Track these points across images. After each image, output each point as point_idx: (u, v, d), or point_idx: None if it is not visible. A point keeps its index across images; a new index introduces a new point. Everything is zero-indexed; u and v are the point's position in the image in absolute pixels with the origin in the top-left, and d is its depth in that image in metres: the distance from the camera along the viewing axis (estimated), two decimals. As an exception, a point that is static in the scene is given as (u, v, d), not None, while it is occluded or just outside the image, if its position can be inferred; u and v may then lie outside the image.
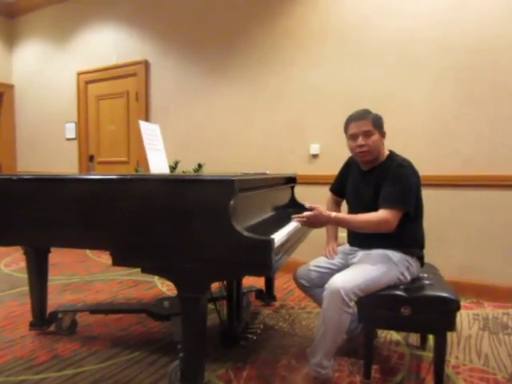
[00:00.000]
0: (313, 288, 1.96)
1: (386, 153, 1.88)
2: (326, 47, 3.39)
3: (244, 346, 2.06)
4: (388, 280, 1.72)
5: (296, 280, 2.03)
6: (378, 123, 1.82)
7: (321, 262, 2.01)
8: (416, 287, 1.73)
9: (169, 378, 1.64)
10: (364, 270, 1.71)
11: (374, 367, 1.84)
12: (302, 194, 2.79)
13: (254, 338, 2.10)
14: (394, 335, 2.24)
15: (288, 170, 3.46)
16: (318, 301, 1.84)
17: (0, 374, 1.82)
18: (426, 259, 1.91)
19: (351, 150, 1.89)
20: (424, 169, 3.03)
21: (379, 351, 2.04)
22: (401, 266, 1.75)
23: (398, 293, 1.69)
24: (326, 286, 1.64)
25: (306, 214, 1.72)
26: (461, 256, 2.94)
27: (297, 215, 1.74)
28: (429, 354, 2.00)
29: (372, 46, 3.20)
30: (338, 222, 1.80)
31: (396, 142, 3.09)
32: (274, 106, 3.65)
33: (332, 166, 3.32)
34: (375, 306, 1.71)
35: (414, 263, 1.80)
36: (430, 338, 2.11)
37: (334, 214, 1.75)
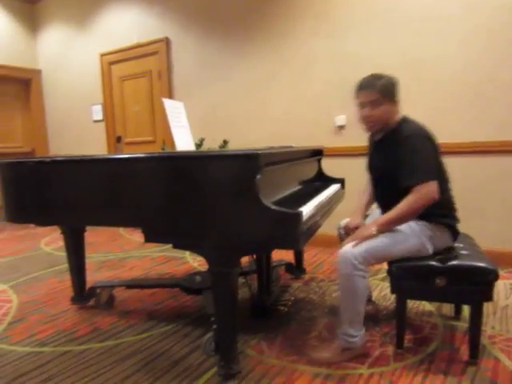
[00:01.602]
0: None
1: (398, 119, 1.76)
2: (350, 16, 3.24)
3: (275, 319, 2.10)
4: (405, 249, 1.68)
5: (338, 231, 2.07)
6: (387, 91, 1.71)
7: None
8: (451, 257, 1.68)
9: (203, 349, 1.70)
10: (378, 237, 1.67)
11: (407, 337, 1.84)
12: (329, 166, 2.75)
13: (285, 310, 2.13)
14: (427, 306, 2.21)
15: (314, 143, 3.40)
16: None
17: (47, 345, 1.94)
18: (461, 229, 1.84)
19: (358, 118, 1.81)
20: (455, 136, 2.93)
21: (411, 322, 2.02)
22: (421, 236, 1.69)
23: (433, 263, 1.65)
24: (338, 252, 1.68)
25: (349, 239, 1.70)
26: (496, 225, 2.83)
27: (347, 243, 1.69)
28: (463, 324, 1.97)
29: (398, 12, 3.03)
30: (385, 225, 1.68)
31: (426, 108, 2.98)
32: (298, 79, 3.56)
33: (359, 137, 3.24)
34: (408, 276, 1.68)
35: (440, 233, 1.73)
36: (465, 308, 2.07)
37: (378, 222, 1.68)
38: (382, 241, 1.68)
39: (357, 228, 1.85)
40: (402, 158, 1.66)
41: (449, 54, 2.88)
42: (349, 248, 1.65)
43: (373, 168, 1.90)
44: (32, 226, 4.82)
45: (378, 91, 1.70)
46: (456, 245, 1.81)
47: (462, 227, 1.84)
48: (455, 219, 1.79)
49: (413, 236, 1.69)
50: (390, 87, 1.72)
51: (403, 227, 1.71)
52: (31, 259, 3.45)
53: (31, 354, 1.86)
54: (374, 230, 1.67)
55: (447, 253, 1.73)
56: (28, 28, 5.47)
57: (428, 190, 1.60)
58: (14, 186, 1.95)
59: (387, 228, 1.68)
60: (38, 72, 5.56)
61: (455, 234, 1.79)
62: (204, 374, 1.64)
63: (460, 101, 2.88)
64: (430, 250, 1.72)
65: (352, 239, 1.69)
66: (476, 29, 2.77)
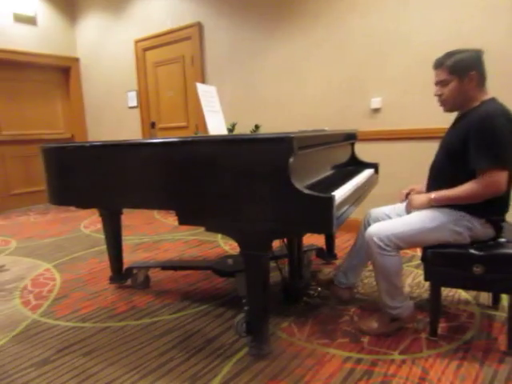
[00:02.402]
0: None
1: (483, 99, 1.65)
2: (388, -10, 3.11)
3: (306, 303, 2.11)
4: (436, 237, 1.65)
5: (365, 217, 2.07)
6: (457, 68, 1.62)
7: (392, 208, 2.00)
8: (491, 245, 1.62)
9: (235, 329, 1.74)
10: (407, 221, 1.69)
11: (441, 325, 1.80)
12: (363, 151, 2.69)
13: (316, 294, 2.14)
14: (463, 294, 2.15)
15: (347, 127, 3.34)
16: None
17: (88, 320, 2.05)
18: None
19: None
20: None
21: (446, 310, 1.98)
22: (458, 226, 1.63)
23: (471, 251, 1.60)
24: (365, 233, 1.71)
25: (412, 202, 1.74)
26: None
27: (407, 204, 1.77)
28: (502, 314, 1.90)
29: (441, -16, 2.87)
30: (439, 201, 1.65)
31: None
32: (331, 60, 3.47)
33: (396, 120, 3.17)
34: (443, 263, 1.64)
35: (480, 226, 1.64)
36: (504, 298, 2.00)
37: (433, 194, 1.67)
38: (411, 225, 1.66)
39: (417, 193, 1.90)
40: (474, 137, 1.56)
41: (495, 28, 2.71)
42: (374, 229, 1.68)
43: (441, 143, 1.80)
44: (73, 208, 5.05)
45: (447, 69, 1.65)
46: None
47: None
48: (502, 215, 1.67)
49: (448, 225, 1.64)
50: (460, 64, 1.62)
51: (439, 214, 1.66)
52: (72, 240, 3.63)
53: (74, 328, 1.97)
54: (426, 200, 1.68)
55: (486, 241, 1.67)
56: (67, 17, 5.63)
57: (496, 180, 1.52)
58: (56, 170, 2.04)
59: (440, 203, 1.66)
60: (76, 60, 5.73)
61: (499, 228, 1.69)
62: (236, 353, 1.69)
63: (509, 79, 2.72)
64: (468, 240, 1.66)
65: (411, 204, 1.74)
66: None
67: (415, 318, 1.79)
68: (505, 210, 1.68)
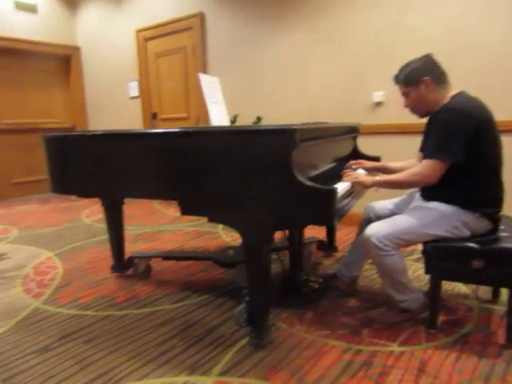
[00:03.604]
0: (370, 223, 1.93)
1: (449, 95, 1.69)
2: (393, -18, 3.08)
3: (306, 294, 2.12)
4: (433, 232, 1.66)
5: (365, 210, 2.09)
6: (411, 79, 1.71)
7: (392, 202, 2.03)
8: (491, 239, 1.63)
9: (236, 319, 1.76)
10: (403, 220, 1.70)
11: (440, 318, 1.81)
12: (365, 144, 2.69)
13: (316, 286, 2.15)
14: (463, 288, 2.16)
15: (350, 120, 3.33)
16: None
17: (90, 309, 2.06)
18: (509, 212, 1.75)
19: None
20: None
21: (445, 303, 1.99)
22: (454, 221, 1.65)
23: (470, 245, 1.61)
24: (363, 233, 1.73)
25: (353, 174, 1.78)
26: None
27: (347, 173, 1.79)
28: (501, 308, 1.92)
29: (447, -24, 2.84)
30: (381, 183, 1.73)
31: (475, 83, 2.82)
32: (334, 53, 3.45)
33: (397, 115, 3.16)
34: (443, 257, 1.65)
35: (476, 220, 1.65)
36: (503, 292, 2.01)
37: (377, 177, 1.74)
38: (408, 223, 1.67)
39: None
40: (431, 131, 1.67)
41: (498, 23, 2.69)
42: (371, 230, 1.69)
43: (420, 149, 1.85)
44: (74, 198, 5.05)
45: (403, 82, 1.75)
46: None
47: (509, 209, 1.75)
48: (496, 207, 1.68)
49: (443, 220, 1.65)
50: (412, 74, 1.71)
51: (433, 210, 1.68)
52: (73, 229, 3.64)
53: (76, 316, 1.99)
54: (370, 181, 1.72)
55: (486, 235, 1.67)
56: (68, 5, 5.57)
57: (425, 171, 1.59)
58: (58, 159, 2.04)
59: (384, 186, 1.74)
60: (77, 49, 5.69)
61: (496, 221, 1.70)
62: (236, 343, 1.70)
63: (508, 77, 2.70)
64: (468, 234, 1.67)
65: (351, 175, 1.77)
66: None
67: (426, 308, 1.79)
68: (498, 202, 1.69)
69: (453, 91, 1.71)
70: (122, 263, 2.47)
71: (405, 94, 1.76)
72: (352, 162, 2.12)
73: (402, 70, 1.75)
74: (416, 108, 1.77)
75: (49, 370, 1.56)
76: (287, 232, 2.13)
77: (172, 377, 1.49)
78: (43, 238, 3.39)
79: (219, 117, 2.07)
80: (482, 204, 1.64)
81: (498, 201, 1.69)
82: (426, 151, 1.65)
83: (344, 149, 2.38)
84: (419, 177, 1.61)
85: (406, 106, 1.80)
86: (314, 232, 3.07)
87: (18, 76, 5.29)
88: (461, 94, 1.68)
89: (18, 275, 2.55)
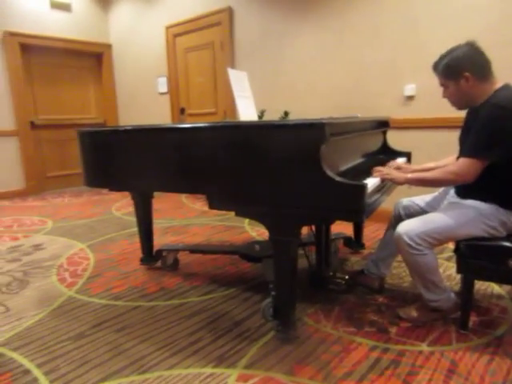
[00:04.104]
0: (400, 220, 1.90)
1: (494, 88, 1.59)
2: (426, -29, 2.98)
3: (333, 290, 2.11)
4: (469, 231, 1.60)
5: (395, 207, 2.05)
6: (449, 73, 1.60)
7: (422, 199, 1.99)
8: (528, 238, 1.57)
9: (262, 313, 1.77)
10: (437, 218, 1.64)
11: (472, 319, 1.77)
12: (395, 139, 2.63)
13: (343, 282, 2.13)
14: (496, 288, 2.09)
15: (380, 114, 3.26)
16: None
17: (120, 299, 2.13)
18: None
19: None
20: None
21: (478, 304, 1.93)
22: (491, 220, 1.59)
23: (506, 244, 1.55)
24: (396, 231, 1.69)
25: (385, 171, 1.72)
26: None
27: (378, 169, 1.73)
28: (537, 311, 1.84)
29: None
30: (415, 181, 1.66)
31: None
32: (364, 45, 3.38)
33: (430, 108, 3.07)
34: (477, 256, 1.60)
35: None
36: (540, 294, 1.93)
37: (409, 174, 1.68)
38: (442, 222, 1.62)
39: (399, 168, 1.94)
40: (472, 128, 1.58)
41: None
42: (404, 228, 1.64)
43: (459, 142, 1.78)
44: (105, 192, 5.21)
45: (441, 74, 1.65)
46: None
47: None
48: None
49: (480, 219, 1.59)
50: (451, 67, 1.60)
51: (470, 209, 1.62)
52: (105, 222, 3.75)
53: (107, 305, 2.06)
54: (403, 179, 1.66)
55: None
56: (101, 3, 5.72)
57: (462, 170, 1.52)
58: (92, 154, 2.11)
59: (416, 184, 1.66)
60: (109, 46, 5.84)
61: None
62: (263, 336, 1.72)
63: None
64: (504, 234, 1.61)
65: (382, 171, 1.71)
66: None
67: (457, 309, 1.75)
68: None
69: (498, 84, 1.60)
70: (150, 255, 2.54)
71: (444, 86, 1.67)
72: (393, 163, 2.04)
73: (441, 58, 1.64)
74: (455, 102, 1.68)
75: (84, 355, 1.62)
76: (314, 227, 2.11)
77: (199, 368, 1.52)
78: (76, 229, 3.52)
79: (247, 111, 2.08)
80: None
81: None
82: (465, 149, 1.57)
83: (374, 143, 2.34)
84: (455, 176, 1.55)
85: (445, 97, 1.70)
86: (342, 228, 3.04)
87: (53, 73, 5.49)
88: (506, 88, 1.58)
89: (53, 265, 2.66)
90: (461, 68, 1.57)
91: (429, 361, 1.52)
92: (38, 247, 3.05)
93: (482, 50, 1.60)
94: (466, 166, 1.53)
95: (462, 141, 1.70)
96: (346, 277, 2.14)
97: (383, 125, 2.45)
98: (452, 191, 1.85)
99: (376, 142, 2.40)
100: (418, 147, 3.01)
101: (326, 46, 3.62)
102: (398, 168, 1.96)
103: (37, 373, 1.52)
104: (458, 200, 1.72)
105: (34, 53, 5.23)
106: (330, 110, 3.60)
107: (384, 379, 1.42)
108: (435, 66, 1.67)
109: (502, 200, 1.58)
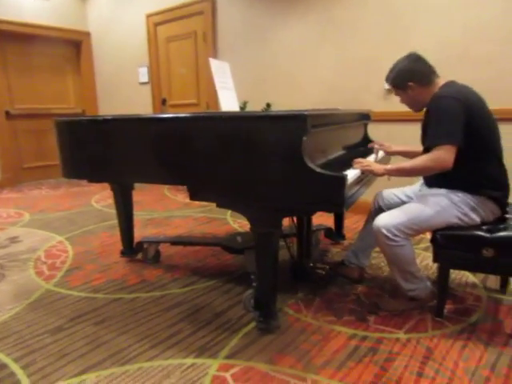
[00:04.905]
0: (380, 211, 1.93)
1: (436, 90, 1.71)
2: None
3: (313, 281, 2.14)
4: (443, 220, 1.66)
5: (374, 198, 2.09)
6: (397, 84, 1.78)
7: (402, 191, 2.03)
8: (501, 228, 1.61)
9: (243, 304, 1.78)
10: (412, 209, 1.69)
11: (448, 307, 1.82)
12: (376, 131, 2.66)
13: (323, 273, 2.16)
14: (471, 277, 2.16)
15: (361, 107, 3.29)
16: None
17: (100, 291, 2.10)
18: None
19: None
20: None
21: (453, 292, 1.99)
22: (462, 207, 1.64)
23: (480, 233, 1.60)
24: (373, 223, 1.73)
25: (364, 162, 1.73)
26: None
27: (358, 160, 1.75)
28: (509, 298, 1.91)
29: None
30: (394, 171, 1.69)
31: (491, 69, 2.75)
32: (346, 39, 3.39)
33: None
34: (452, 246, 1.64)
35: (483, 205, 1.65)
36: (512, 283, 2.00)
37: (389, 166, 1.71)
38: (418, 212, 1.67)
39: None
40: (427, 120, 1.68)
41: (517, 10, 2.61)
42: (381, 221, 1.68)
43: (422, 141, 1.85)
44: (84, 183, 5.11)
45: (391, 86, 1.82)
46: (508, 216, 1.72)
47: (517, 198, 1.74)
48: (502, 191, 1.68)
49: (451, 207, 1.65)
50: (397, 80, 1.77)
51: (441, 197, 1.67)
52: (84, 214, 3.68)
53: (87, 298, 2.03)
54: (382, 170, 1.69)
55: (496, 223, 1.66)
56: (78, -11, 5.55)
57: (440, 156, 1.56)
58: (69, 144, 2.06)
59: (395, 174, 1.70)
60: (87, 34, 5.68)
61: (503, 206, 1.70)
62: (244, 327, 1.73)
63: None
64: (478, 220, 1.66)
65: (362, 163, 1.72)
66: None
67: (434, 297, 1.80)
68: (503, 186, 1.69)
69: (442, 81, 1.73)
70: (131, 248, 2.51)
71: (397, 95, 1.85)
72: (376, 144, 2.16)
73: (390, 71, 1.81)
74: (410, 106, 1.84)
75: (62, 349, 1.60)
76: (295, 219, 2.13)
77: (180, 359, 1.52)
78: (54, 222, 3.44)
79: (229, 103, 2.06)
80: (485, 186, 1.65)
81: (502, 184, 1.69)
82: (431, 140, 1.61)
83: (355, 136, 2.36)
84: (434, 163, 1.57)
85: (402, 103, 1.87)
86: (322, 219, 3.07)
87: (30, 61, 5.31)
88: (449, 83, 1.72)
89: (30, 258, 2.60)
90: (405, 80, 1.75)
91: (405, 348, 1.56)
92: (14, 240, 2.97)
93: (422, 58, 1.76)
94: (442, 153, 1.56)
95: (424, 138, 1.75)
96: (327, 267, 2.17)
97: (364, 117, 2.47)
98: (421, 182, 1.91)
99: (357, 134, 2.42)
100: (398, 139, 3.05)
101: (309, 40, 3.62)
102: (382, 145, 2.14)
103: (14, 367, 1.49)
104: (429, 191, 1.77)
105: (9, 40, 5.05)
106: (312, 103, 3.61)
107: (362, 366, 1.46)
108: (387, 79, 1.84)
109: (467, 185, 1.65)
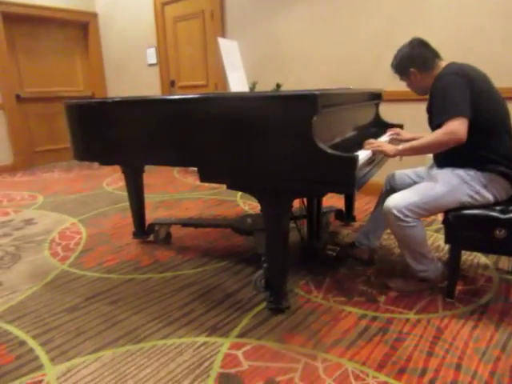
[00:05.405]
0: (392, 192, 1.92)
1: (439, 72, 1.71)
2: None
3: (323, 263, 2.14)
4: (455, 198, 1.64)
5: (386, 179, 2.08)
6: (400, 72, 1.81)
7: (414, 171, 2.01)
8: (514, 209, 1.59)
9: (254, 285, 1.79)
10: (423, 188, 1.68)
11: (458, 288, 1.82)
12: (388, 111, 2.61)
13: (334, 254, 2.17)
14: (483, 258, 2.14)
15: (373, 86, 3.22)
16: None
17: (114, 272, 2.14)
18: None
19: None
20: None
21: (465, 273, 1.98)
22: (474, 185, 1.63)
23: (493, 214, 1.58)
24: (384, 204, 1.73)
25: (376, 143, 1.73)
26: None
27: (369, 141, 1.74)
28: (521, 280, 1.90)
29: None
30: (407, 151, 1.67)
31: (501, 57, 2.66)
32: (358, 16, 3.30)
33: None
34: (465, 226, 1.63)
35: (494, 182, 1.63)
36: (525, 264, 1.98)
37: (401, 146, 1.69)
38: (428, 192, 1.65)
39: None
40: (432, 100, 1.70)
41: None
42: (392, 201, 1.67)
43: (429, 122, 1.82)
44: (95, 166, 5.16)
45: (396, 73, 1.85)
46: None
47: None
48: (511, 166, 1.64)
49: (463, 185, 1.63)
50: (400, 68, 1.80)
51: (451, 176, 1.65)
52: (96, 197, 3.73)
53: (100, 278, 2.07)
54: (394, 150, 1.68)
55: (509, 203, 1.63)
56: (84, -31, 5.46)
57: (453, 129, 1.53)
58: (80, 127, 2.07)
59: (408, 154, 1.68)
60: (94, 15, 5.62)
61: None
62: (254, 307, 1.75)
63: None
64: (491, 198, 1.64)
65: (373, 144, 1.72)
66: None
67: (444, 278, 1.80)
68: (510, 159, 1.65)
69: (444, 63, 1.73)
70: (143, 230, 2.54)
71: (403, 80, 1.86)
72: (390, 130, 2.16)
73: (394, 58, 1.83)
74: (415, 91, 1.86)
75: (78, 327, 1.65)
76: (305, 201, 2.13)
77: (193, 337, 1.55)
78: (67, 204, 3.50)
79: (238, 83, 2.04)
80: (497, 162, 1.62)
81: (509, 157, 1.64)
82: (439, 117, 1.60)
83: (366, 116, 2.32)
84: (449, 135, 1.53)
85: (408, 88, 1.89)
86: (333, 201, 3.06)
87: (38, 44, 5.30)
88: (450, 64, 1.70)
89: (45, 240, 2.65)
90: (406, 67, 1.78)
91: (415, 328, 1.57)
92: (29, 222, 3.03)
93: (423, 43, 1.78)
94: (454, 125, 1.53)
95: (431, 118, 1.74)
96: (338, 248, 2.18)
97: (376, 97, 2.43)
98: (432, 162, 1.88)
99: (369, 114, 2.38)
100: (410, 120, 3.00)
101: (320, 17, 3.53)
102: (397, 134, 2.10)
103: (32, 343, 1.55)
104: (439, 170, 1.74)
105: (16, 23, 5.03)
106: (323, 83, 3.55)
107: (372, 345, 1.47)
108: (391, 66, 1.86)
109: (479, 163, 1.63)
